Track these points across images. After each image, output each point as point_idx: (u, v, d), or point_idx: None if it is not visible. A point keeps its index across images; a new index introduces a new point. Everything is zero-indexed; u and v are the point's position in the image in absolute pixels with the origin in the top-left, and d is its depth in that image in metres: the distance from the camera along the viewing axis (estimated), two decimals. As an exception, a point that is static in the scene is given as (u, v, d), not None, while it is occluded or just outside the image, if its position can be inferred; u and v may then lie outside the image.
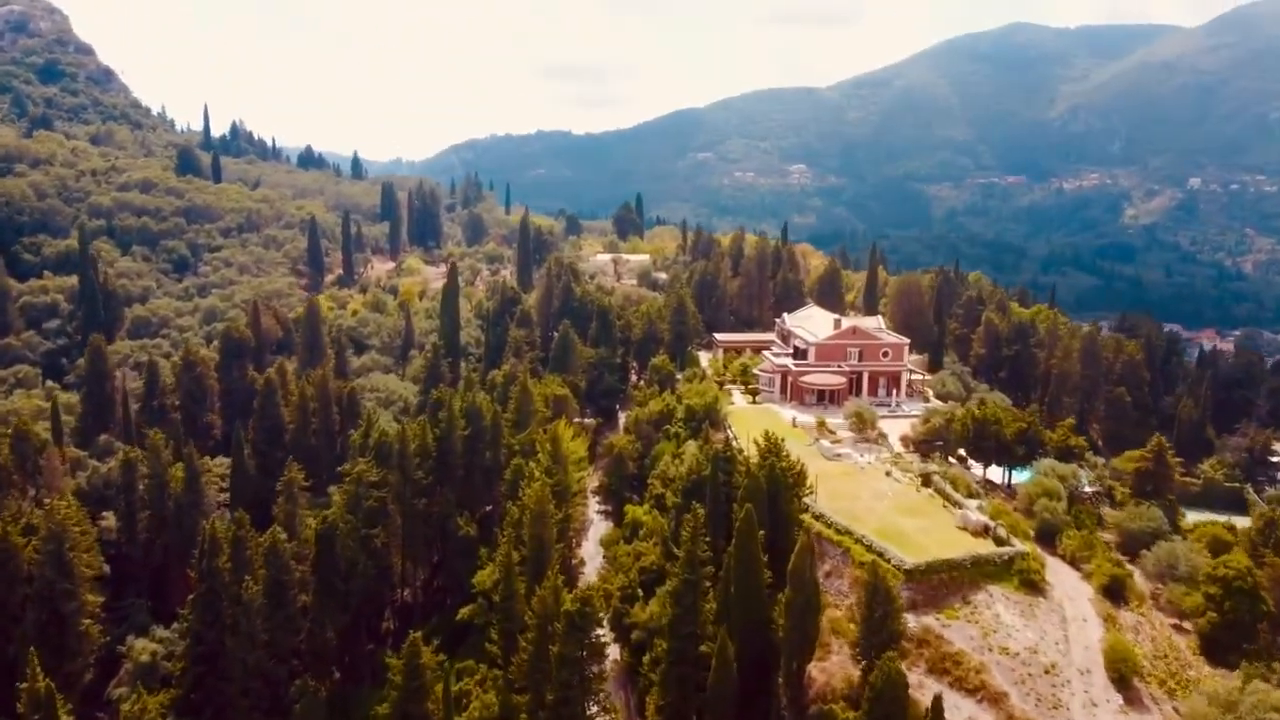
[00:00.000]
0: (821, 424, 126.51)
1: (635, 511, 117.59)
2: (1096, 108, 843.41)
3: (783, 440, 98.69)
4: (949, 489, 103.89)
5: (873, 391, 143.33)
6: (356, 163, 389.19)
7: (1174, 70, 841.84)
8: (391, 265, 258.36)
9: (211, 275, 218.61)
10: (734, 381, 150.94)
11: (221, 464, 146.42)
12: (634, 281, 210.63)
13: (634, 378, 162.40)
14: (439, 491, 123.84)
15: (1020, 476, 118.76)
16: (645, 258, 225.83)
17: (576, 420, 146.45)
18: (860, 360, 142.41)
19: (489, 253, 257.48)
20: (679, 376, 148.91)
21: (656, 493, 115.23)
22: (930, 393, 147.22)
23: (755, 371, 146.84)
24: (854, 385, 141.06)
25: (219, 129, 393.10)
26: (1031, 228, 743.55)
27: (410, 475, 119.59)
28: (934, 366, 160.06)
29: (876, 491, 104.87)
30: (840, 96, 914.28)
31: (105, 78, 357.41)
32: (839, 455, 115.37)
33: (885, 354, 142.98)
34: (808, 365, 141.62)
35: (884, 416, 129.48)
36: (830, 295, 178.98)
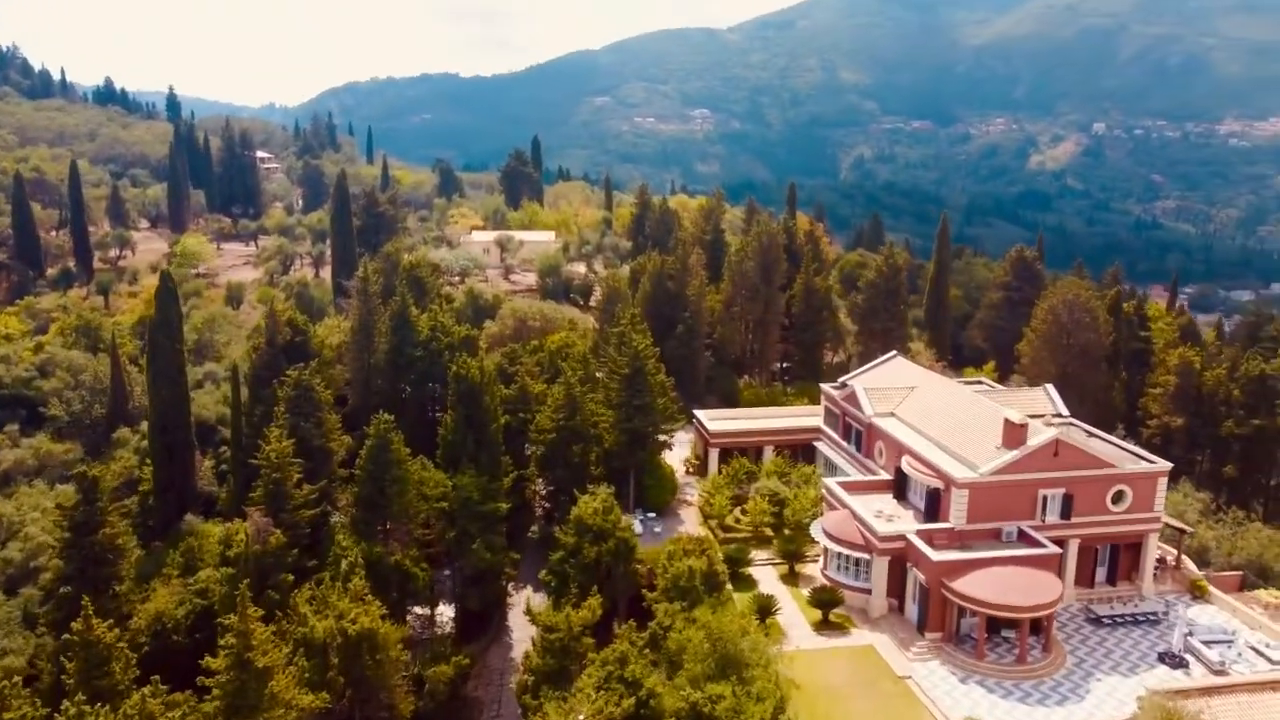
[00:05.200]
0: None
1: None
2: (1000, 52, 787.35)
3: None
4: None
5: (1085, 579, 59.26)
6: (173, 101, 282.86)
7: (1076, 13, 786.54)
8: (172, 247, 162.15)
9: None
10: (756, 535, 65.42)
11: None
12: (533, 280, 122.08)
13: (540, 508, 74.89)
14: None
15: None
16: (549, 237, 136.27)
17: (408, 631, 61.17)
18: (1065, 515, 57.83)
19: (314, 225, 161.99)
20: (638, 528, 62.86)
21: None
22: (1195, 570, 63.74)
23: (819, 535, 60.63)
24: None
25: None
26: (941, 175, 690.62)
27: None
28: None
29: None
30: (743, 38, 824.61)
31: None
32: None
33: (1119, 496, 58.56)
34: (955, 537, 56.23)
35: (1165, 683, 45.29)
36: (887, 318, 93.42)
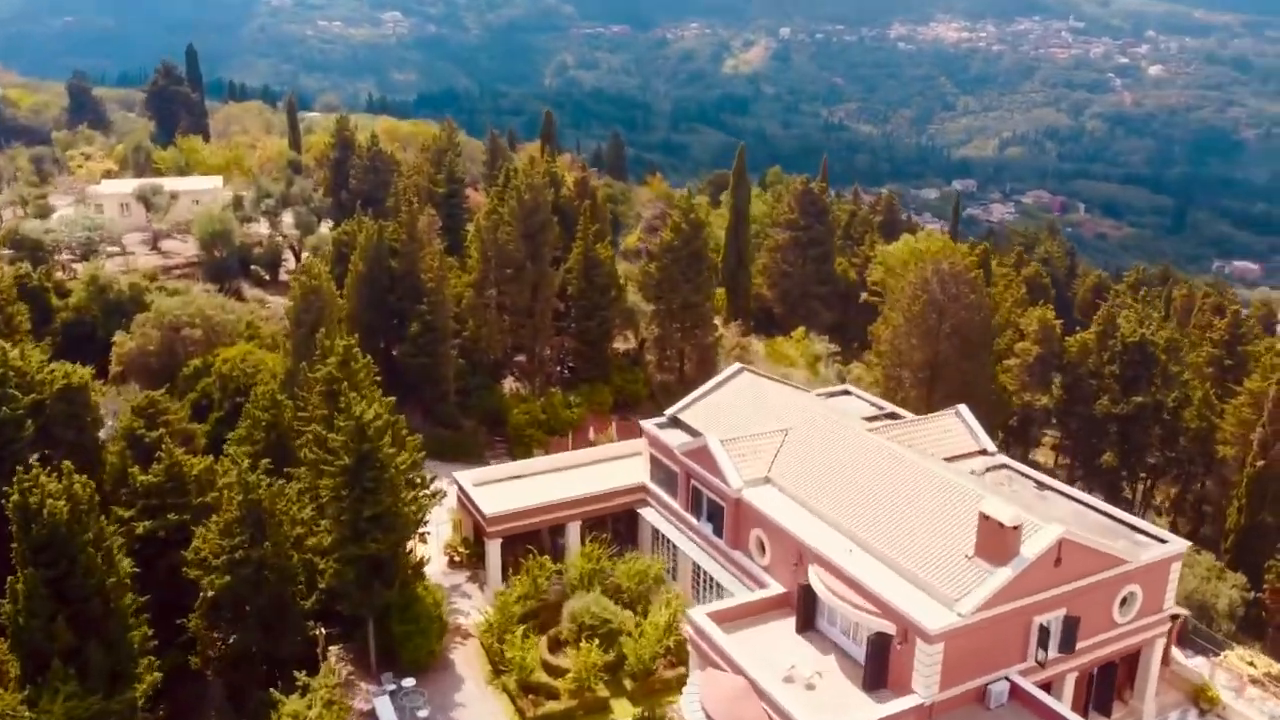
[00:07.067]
0: None
1: None
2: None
3: None
4: None
5: (1081, 707, 38.86)
6: None
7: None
8: None
9: None
10: (583, 700, 39.78)
11: None
12: (194, 250, 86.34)
13: (215, 671, 45.00)
14: None
15: None
16: (215, 185, 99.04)
17: None
18: (1068, 646, 36.97)
19: None
20: (388, 712, 35.22)
21: None
22: (1190, 669, 45.58)
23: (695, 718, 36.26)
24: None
25: None
26: (643, 80, 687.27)
27: None
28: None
29: None
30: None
31: None
32: None
33: (1128, 600, 38.58)
34: (924, 715, 33.73)
35: None
36: (689, 290, 69.28)
